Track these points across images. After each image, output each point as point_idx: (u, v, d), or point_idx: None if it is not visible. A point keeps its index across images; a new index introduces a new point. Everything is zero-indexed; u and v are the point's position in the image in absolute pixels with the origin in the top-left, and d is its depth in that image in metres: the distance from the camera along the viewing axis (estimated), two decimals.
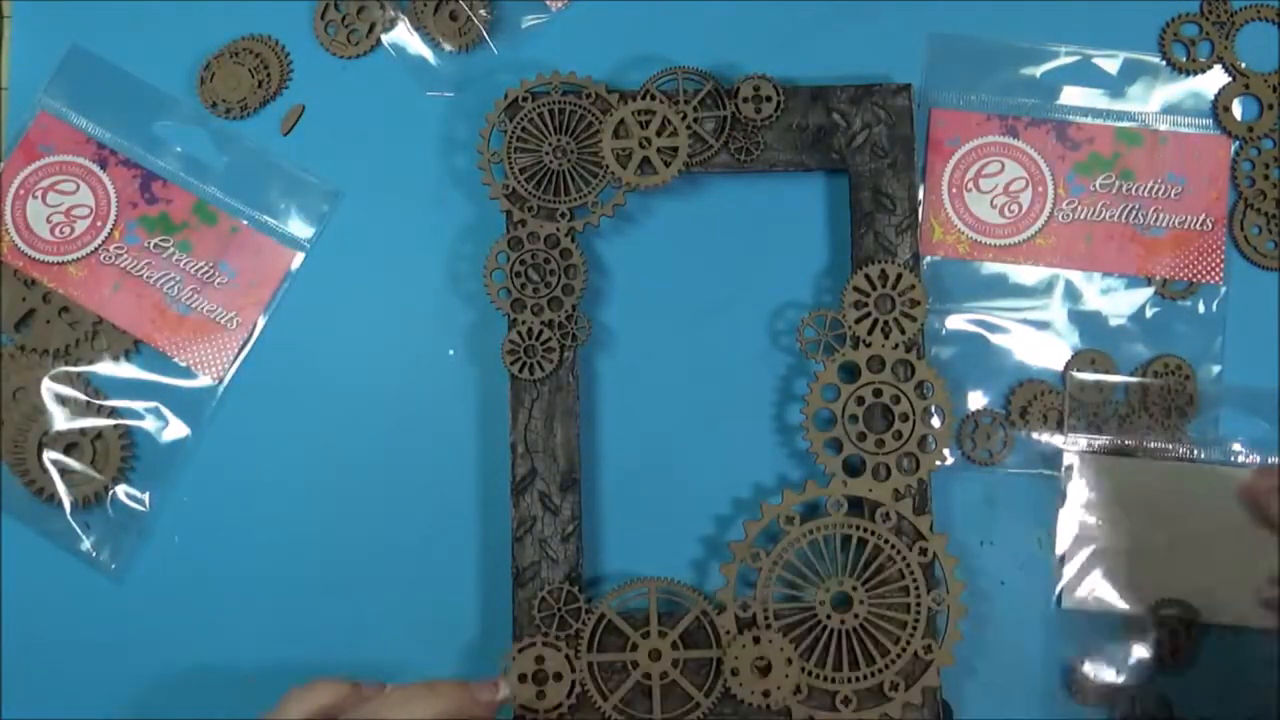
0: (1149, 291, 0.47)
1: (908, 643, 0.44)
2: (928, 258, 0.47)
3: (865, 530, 0.44)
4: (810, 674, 0.44)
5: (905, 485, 0.44)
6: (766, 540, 0.44)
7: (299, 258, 0.48)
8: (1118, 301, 0.47)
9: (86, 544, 0.46)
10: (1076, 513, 0.46)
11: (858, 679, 0.44)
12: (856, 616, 0.44)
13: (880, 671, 0.44)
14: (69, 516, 0.46)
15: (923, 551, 0.44)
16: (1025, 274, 0.47)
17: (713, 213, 0.48)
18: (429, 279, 0.48)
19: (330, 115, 0.48)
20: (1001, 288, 0.47)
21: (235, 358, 0.47)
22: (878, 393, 0.45)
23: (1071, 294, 0.47)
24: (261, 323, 0.47)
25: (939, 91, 0.48)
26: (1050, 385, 0.47)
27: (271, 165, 0.48)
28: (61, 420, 0.47)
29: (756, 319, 0.47)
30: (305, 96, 0.49)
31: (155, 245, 0.48)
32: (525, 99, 0.46)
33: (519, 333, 0.45)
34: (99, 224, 0.48)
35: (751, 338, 0.47)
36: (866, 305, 0.45)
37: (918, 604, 0.44)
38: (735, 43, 0.48)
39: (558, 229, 0.45)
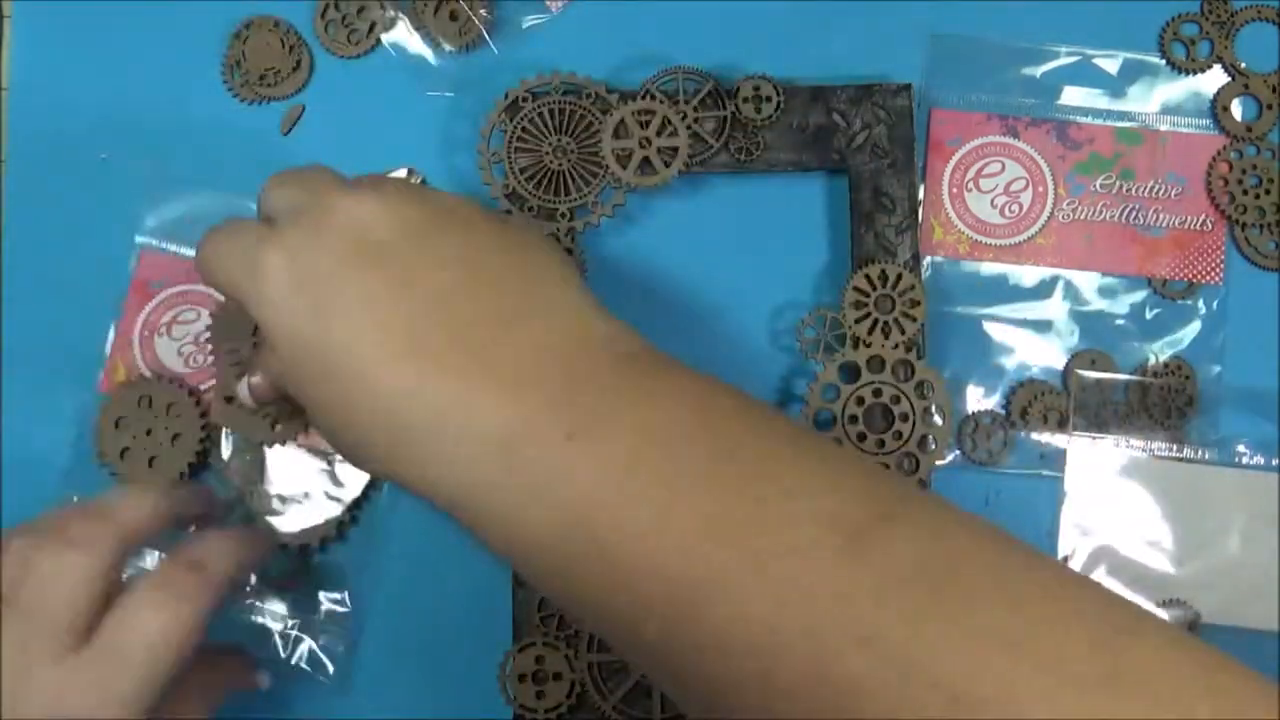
0: (1149, 291, 0.47)
1: None
2: (928, 258, 0.47)
3: None
4: None
5: None
6: None
7: None
8: (1118, 301, 0.47)
9: None
10: (1078, 512, 0.46)
11: None
12: None
13: None
14: None
15: None
16: (1025, 274, 0.47)
17: (713, 213, 0.48)
18: None
19: (330, 115, 0.48)
20: (1001, 288, 0.47)
21: None
22: (878, 393, 0.45)
23: (1071, 294, 0.47)
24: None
25: (939, 91, 0.48)
26: (1050, 385, 0.47)
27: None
28: None
29: (756, 319, 0.47)
30: (305, 96, 0.49)
31: None
32: (525, 99, 0.46)
33: None
34: None
35: (751, 338, 0.47)
36: (866, 305, 0.45)
37: None
38: (735, 43, 0.48)
39: (558, 229, 0.45)
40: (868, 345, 0.45)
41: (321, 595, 0.46)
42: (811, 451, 0.30)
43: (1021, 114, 0.47)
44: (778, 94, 0.46)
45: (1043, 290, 0.47)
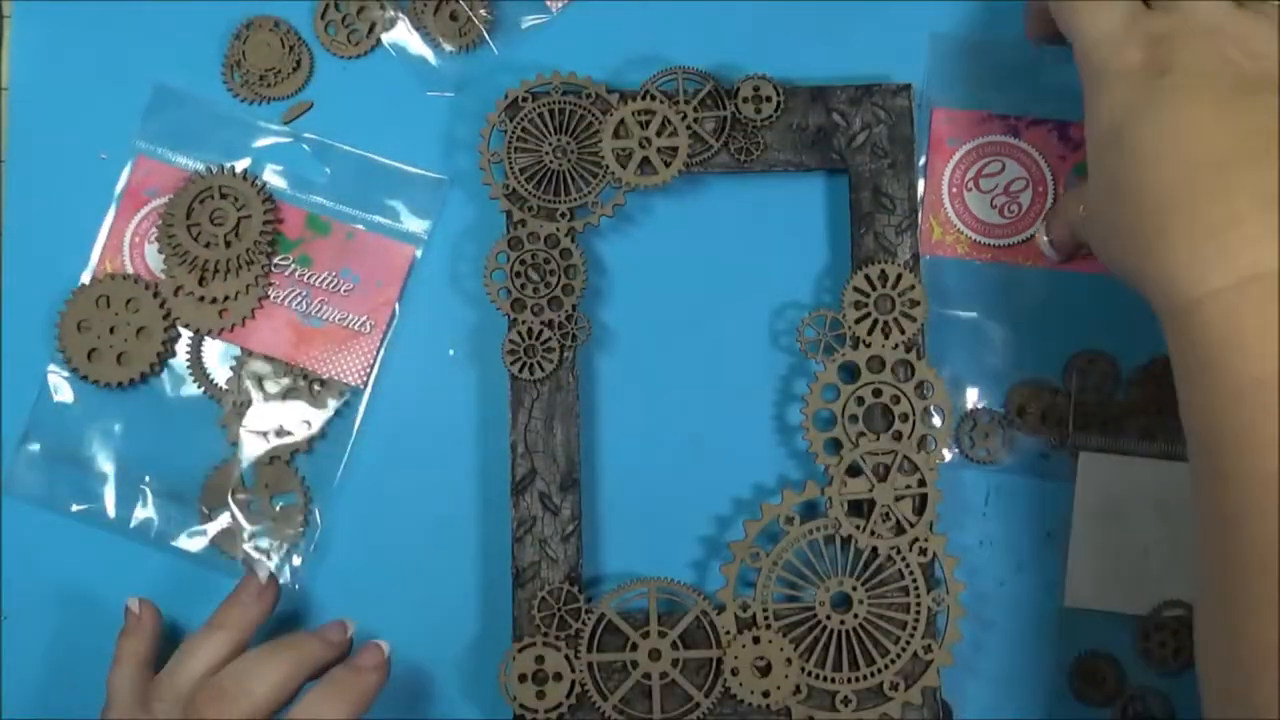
0: None
1: (908, 643, 0.44)
2: (928, 258, 0.47)
3: (865, 530, 0.44)
4: (810, 674, 0.44)
5: (905, 485, 0.44)
6: (766, 540, 0.44)
7: (419, 252, 0.48)
8: (1117, 301, 0.47)
9: None
10: (1077, 512, 0.46)
11: (858, 679, 0.44)
12: (856, 616, 0.44)
13: (880, 671, 0.44)
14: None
15: (922, 552, 0.44)
16: (1025, 274, 0.47)
17: (713, 213, 0.48)
18: (429, 279, 0.48)
19: (330, 115, 0.48)
20: (1001, 288, 0.47)
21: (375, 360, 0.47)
22: (878, 393, 0.45)
23: (1071, 294, 0.47)
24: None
25: (940, 91, 0.48)
26: (1050, 385, 0.47)
27: (373, 166, 0.48)
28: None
29: (756, 319, 0.47)
30: (305, 96, 0.48)
31: (276, 265, 0.47)
32: (525, 99, 0.46)
33: (519, 333, 0.45)
34: None
35: (751, 338, 0.47)
36: (866, 305, 0.45)
37: (918, 604, 0.44)
38: (735, 43, 0.48)
39: (558, 229, 0.45)
40: (868, 345, 0.45)
41: (322, 595, 0.46)
42: None
43: (1022, 114, 0.47)
44: (778, 94, 0.46)
45: (1042, 290, 0.47)
